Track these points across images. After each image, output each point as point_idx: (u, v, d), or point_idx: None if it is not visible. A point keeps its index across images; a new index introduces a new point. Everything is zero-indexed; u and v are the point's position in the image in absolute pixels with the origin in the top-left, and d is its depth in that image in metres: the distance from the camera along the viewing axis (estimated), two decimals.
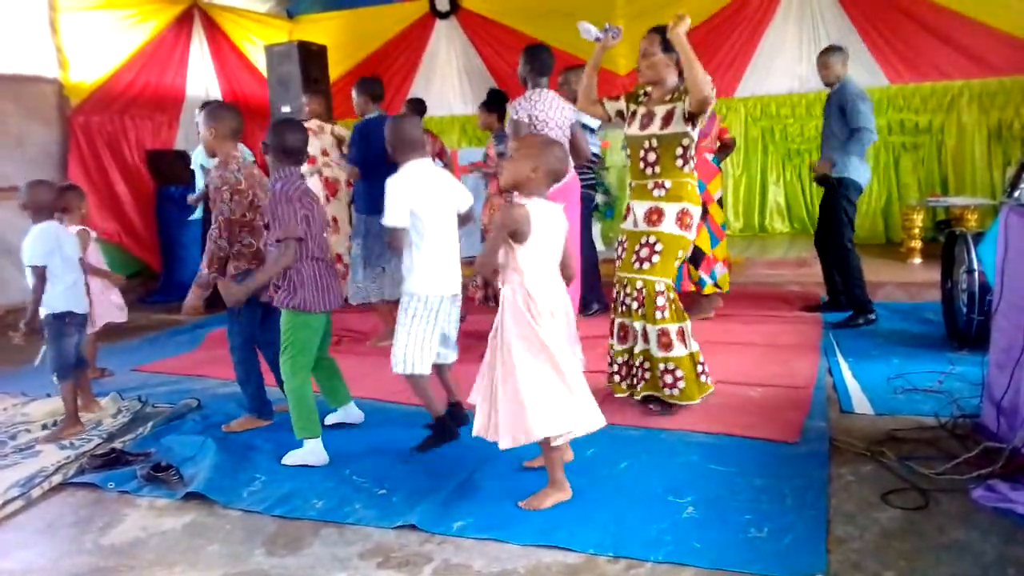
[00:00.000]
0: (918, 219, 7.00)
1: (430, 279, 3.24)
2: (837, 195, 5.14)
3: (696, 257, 5.22)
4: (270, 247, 3.30)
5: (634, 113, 3.65)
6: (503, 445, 2.64)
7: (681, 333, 3.51)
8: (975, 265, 4.16)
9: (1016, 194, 3.08)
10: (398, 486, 2.95)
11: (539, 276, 2.69)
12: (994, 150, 7.81)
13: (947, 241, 4.76)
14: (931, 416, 3.37)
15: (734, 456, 3.08)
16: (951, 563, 2.26)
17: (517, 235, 2.63)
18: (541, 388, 2.62)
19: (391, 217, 3.22)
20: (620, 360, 3.66)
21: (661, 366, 3.48)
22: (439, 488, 2.88)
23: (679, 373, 3.50)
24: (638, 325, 3.52)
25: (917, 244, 6.97)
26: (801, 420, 3.41)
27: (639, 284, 3.51)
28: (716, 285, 5.40)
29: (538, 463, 2.94)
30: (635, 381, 3.59)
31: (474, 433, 2.79)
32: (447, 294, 3.30)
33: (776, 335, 4.95)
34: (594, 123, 5.58)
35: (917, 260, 6.87)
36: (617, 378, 3.69)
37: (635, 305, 3.52)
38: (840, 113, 5.09)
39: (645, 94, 3.66)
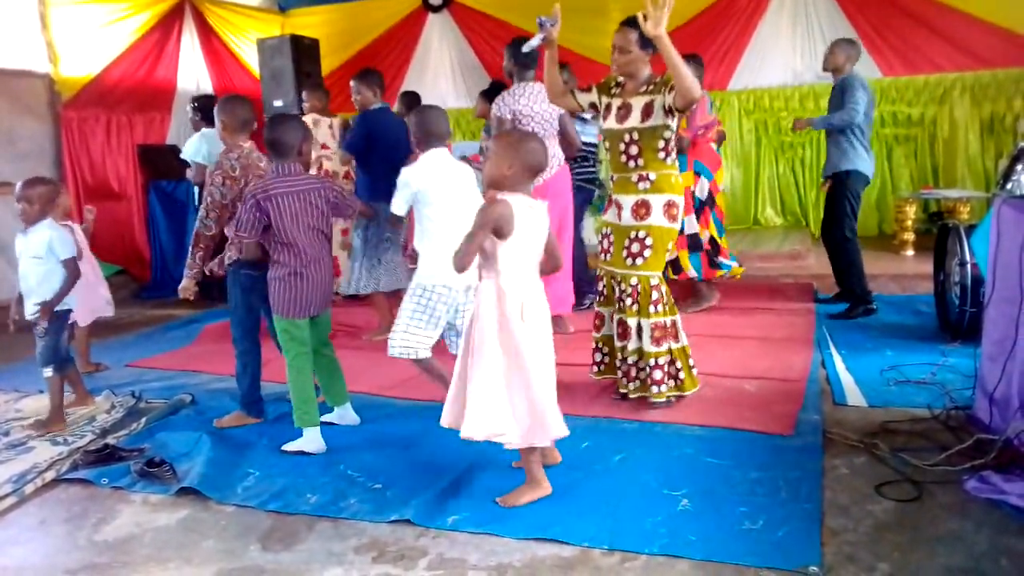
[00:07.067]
0: (911, 211, 7.03)
1: (437, 268, 3.17)
2: (844, 187, 5.16)
3: (715, 246, 5.25)
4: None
5: (608, 106, 3.58)
6: (463, 434, 2.64)
7: (674, 325, 3.54)
8: (968, 257, 4.15)
9: (1008, 186, 3.09)
10: (393, 481, 2.95)
11: (517, 273, 2.66)
12: (986, 142, 7.85)
13: (940, 233, 4.77)
14: (924, 408, 3.38)
15: (728, 449, 3.08)
16: (944, 554, 2.27)
17: (499, 231, 2.60)
18: (496, 388, 2.62)
19: (394, 204, 3.42)
20: (621, 356, 3.60)
21: (653, 361, 3.47)
22: (434, 483, 2.88)
23: (678, 364, 3.53)
24: (632, 321, 3.51)
25: (910, 236, 6.99)
26: (795, 413, 3.42)
27: (633, 280, 3.50)
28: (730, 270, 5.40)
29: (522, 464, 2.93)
30: (627, 380, 3.56)
31: (442, 423, 2.79)
32: (454, 285, 3.23)
33: (770, 328, 4.95)
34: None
35: (910, 252, 6.90)
36: (619, 374, 3.64)
37: (629, 301, 3.51)
38: (840, 103, 5.08)
39: (617, 85, 3.59)
